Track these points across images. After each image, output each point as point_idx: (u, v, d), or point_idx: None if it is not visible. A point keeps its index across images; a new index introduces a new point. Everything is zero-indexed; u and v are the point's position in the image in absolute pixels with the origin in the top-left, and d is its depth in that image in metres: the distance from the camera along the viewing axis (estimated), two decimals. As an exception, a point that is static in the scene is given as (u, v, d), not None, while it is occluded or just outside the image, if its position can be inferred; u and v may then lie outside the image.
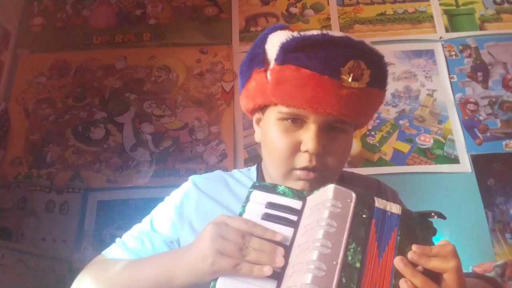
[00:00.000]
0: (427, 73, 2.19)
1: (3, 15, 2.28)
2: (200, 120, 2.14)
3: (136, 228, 0.85)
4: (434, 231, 0.61)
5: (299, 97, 0.68)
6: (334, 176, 0.74)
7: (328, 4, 2.38)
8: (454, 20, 2.31)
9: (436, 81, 2.17)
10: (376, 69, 0.70)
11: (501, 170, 1.97)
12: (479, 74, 2.17)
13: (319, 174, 0.71)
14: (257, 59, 0.74)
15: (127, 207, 1.97)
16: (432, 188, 1.91)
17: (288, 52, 0.68)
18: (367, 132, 2.08)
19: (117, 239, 0.85)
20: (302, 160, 0.70)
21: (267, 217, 0.60)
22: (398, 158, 2.03)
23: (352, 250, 0.55)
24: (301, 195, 0.64)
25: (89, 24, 2.41)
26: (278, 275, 0.55)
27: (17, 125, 2.16)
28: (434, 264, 0.56)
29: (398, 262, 0.55)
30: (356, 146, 2.06)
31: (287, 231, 0.59)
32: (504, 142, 2.03)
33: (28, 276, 1.66)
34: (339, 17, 2.34)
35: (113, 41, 2.35)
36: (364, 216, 0.58)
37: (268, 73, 0.71)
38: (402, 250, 0.57)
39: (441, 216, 0.62)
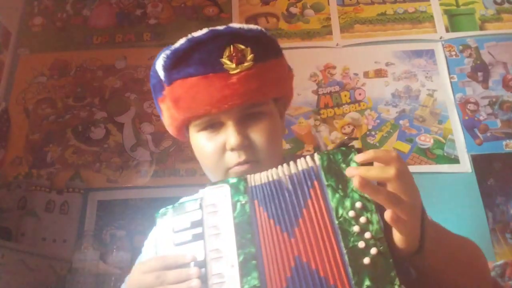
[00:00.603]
0: (427, 73, 2.19)
1: (3, 15, 2.28)
2: (200, 120, 2.14)
3: (126, 278, 0.86)
4: (357, 152, 0.57)
5: (198, 105, 0.68)
6: (271, 159, 0.72)
7: (328, 4, 2.38)
8: (454, 20, 2.31)
9: (436, 81, 2.17)
10: (256, 43, 0.70)
11: (501, 170, 1.96)
12: (479, 74, 2.17)
13: (254, 163, 0.70)
14: (156, 89, 0.75)
15: (127, 207, 1.97)
16: (432, 188, 1.91)
17: (169, 70, 0.70)
18: (367, 132, 2.08)
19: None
20: (232, 158, 0.70)
21: (178, 242, 0.60)
22: (398, 158, 2.02)
23: (244, 244, 0.54)
24: (198, 204, 0.62)
25: (89, 24, 2.41)
26: None
27: (17, 125, 2.16)
28: (372, 173, 0.51)
29: (357, 185, 0.49)
30: (356, 146, 2.06)
31: (199, 245, 0.58)
32: (504, 142, 2.03)
33: (28, 276, 1.66)
34: (339, 17, 2.34)
35: (113, 41, 2.35)
36: (242, 202, 0.57)
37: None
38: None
39: (352, 139, 0.59)
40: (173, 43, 0.71)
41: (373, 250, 0.50)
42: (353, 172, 0.52)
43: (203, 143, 0.73)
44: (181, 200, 0.88)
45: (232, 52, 0.67)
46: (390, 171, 0.51)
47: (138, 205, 1.96)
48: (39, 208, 1.93)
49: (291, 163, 0.59)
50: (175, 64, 0.69)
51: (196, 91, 0.68)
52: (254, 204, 0.57)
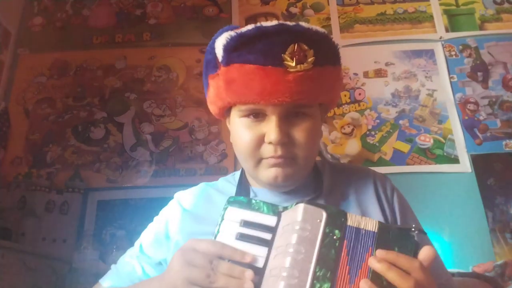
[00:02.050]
0: (427, 73, 2.19)
1: (3, 15, 2.28)
2: (200, 120, 2.14)
3: (128, 252, 0.87)
4: (415, 246, 0.56)
5: (249, 93, 0.69)
6: (306, 160, 0.74)
7: (328, 4, 2.38)
8: (454, 20, 2.31)
9: (436, 81, 2.17)
10: (320, 47, 0.70)
11: (501, 170, 1.96)
12: (479, 74, 2.17)
13: (289, 159, 0.72)
14: (210, 65, 0.76)
15: (127, 207, 1.97)
16: (432, 188, 1.91)
17: (230, 52, 0.70)
18: (367, 132, 2.08)
19: (112, 266, 0.86)
20: (268, 150, 0.71)
21: (241, 237, 0.58)
22: (398, 158, 2.03)
23: (321, 277, 0.52)
24: (276, 210, 0.61)
25: (89, 24, 2.41)
26: None
27: (17, 125, 2.16)
28: (392, 276, 0.52)
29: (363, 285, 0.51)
30: (356, 146, 2.06)
31: (261, 251, 0.56)
32: (504, 142, 2.03)
33: (28, 276, 1.66)
34: (339, 17, 2.34)
35: (113, 41, 2.35)
36: (335, 237, 0.54)
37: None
38: (376, 276, 0.52)
39: (422, 231, 0.57)
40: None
41: None
42: (373, 262, 0.53)
43: (243, 129, 0.74)
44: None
45: (295, 50, 0.67)
46: (408, 283, 0.51)
47: (138, 205, 1.96)
48: (39, 208, 1.93)
49: (367, 219, 0.58)
50: (237, 47, 0.69)
51: (251, 79, 0.68)
52: (343, 243, 0.55)
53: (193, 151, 2.09)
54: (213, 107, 0.80)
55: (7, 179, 2.02)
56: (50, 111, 2.19)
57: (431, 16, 2.32)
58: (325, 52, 0.72)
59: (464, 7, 2.34)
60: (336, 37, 2.29)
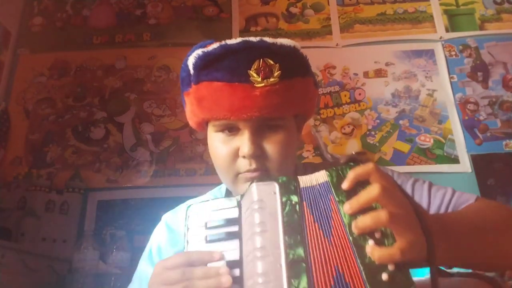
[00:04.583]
0: (427, 73, 2.19)
1: (3, 15, 2.28)
2: (200, 120, 2.14)
3: (133, 277, 0.86)
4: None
5: (219, 109, 0.71)
6: (282, 170, 0.73)
7: (328, 4, 2.38)
8: (454, 20, 2.31)
9: (436, 81, 2.17)
10: (287, 60, 0.71)
11: (501, 170, 1.96)
12: (479, 74, 2.17)
13: (264, 172, 0.72)
14: (184, 82, 0.77)
15: (127, 207, 1.97)
16: (432, 188, 1.91)
17: (199, 71, 0.72)
18: (367, 132, 2.08)
19: None
20: (243, 165, 0.73)
21: (210, 239, 0.58)
22: (398, 158, 2.03)
23: (292, 244, 0.51)
24: (235, 202, 0.61)
25: (89, 24, 2.41)
26: None
27: (17, 125, 2.16)
28: (362, 200, 0.50)
29: (355, 228, 0.50)
30: (356, 146, 2.06)
31: (234, 244, 0.56)
32: (504, 142, 2.03)
33: (28, 276, 1.66)
34: (339, 17, 2.34)
35: (113, 41, 2.35)
36: (293, 203, 0.55)
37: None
38: (350, 216, 0.52)
39: (361, 153, 0.59)
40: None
41: (391, 266, 0.47)
42: (346, 209, 0.52)
43: (218, 145, 0.75)
44: (200, 199, 0.88)
45: (260, 66, 0.69)
46: (382, 216, 0.48)
47: (138, 205, 1.96)
48: (39, 208, 1.92)
49: (317, 173, 0.59)
50: (205, 66, 0.71)
51: (219, 96, 0.70)
52: (303, 205, 0.55)
53: (193, 151, 2.09)
54: (190, 122, 0.82)
55: (7, 179, 2.02)
56: (50, 111, 2.19)
57: (431, 16, 2.32)
58: (293, 65, 0.73)
59: (464, 7, 2.34)
60: (336, 37, 2.29)
